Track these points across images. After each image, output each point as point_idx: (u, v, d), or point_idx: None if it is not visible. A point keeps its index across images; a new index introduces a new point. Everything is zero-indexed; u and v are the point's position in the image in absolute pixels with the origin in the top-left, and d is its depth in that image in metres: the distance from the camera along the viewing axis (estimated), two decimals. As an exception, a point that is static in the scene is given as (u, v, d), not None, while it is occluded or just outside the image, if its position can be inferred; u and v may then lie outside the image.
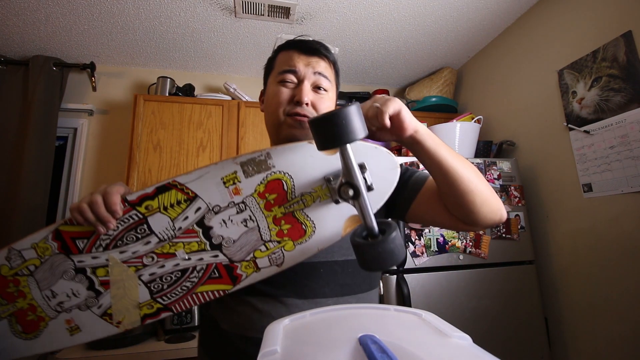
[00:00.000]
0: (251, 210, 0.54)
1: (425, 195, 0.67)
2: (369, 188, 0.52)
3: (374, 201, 0.56)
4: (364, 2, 1.68)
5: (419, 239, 1.51)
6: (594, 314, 1.45)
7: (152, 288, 0.57)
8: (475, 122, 1.95)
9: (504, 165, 1.70)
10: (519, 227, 1.64)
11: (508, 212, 1.63)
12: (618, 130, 1.36)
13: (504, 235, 1.61)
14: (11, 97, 1.93)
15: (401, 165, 0.74)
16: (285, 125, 0.67)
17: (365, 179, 0.51)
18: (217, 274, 0.57)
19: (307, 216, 0.55)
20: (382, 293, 1.45)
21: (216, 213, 0.53)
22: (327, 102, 0.70)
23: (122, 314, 0.57)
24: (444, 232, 1.55)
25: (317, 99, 0.68)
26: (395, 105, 0.49)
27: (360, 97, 2.31)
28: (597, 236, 1.44)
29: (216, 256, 0.56)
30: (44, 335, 0.56)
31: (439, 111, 2.31)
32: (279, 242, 0.56)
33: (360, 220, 0.47)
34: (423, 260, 1.49)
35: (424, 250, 1.50)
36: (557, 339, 1.61)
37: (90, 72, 2.03)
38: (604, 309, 1.41)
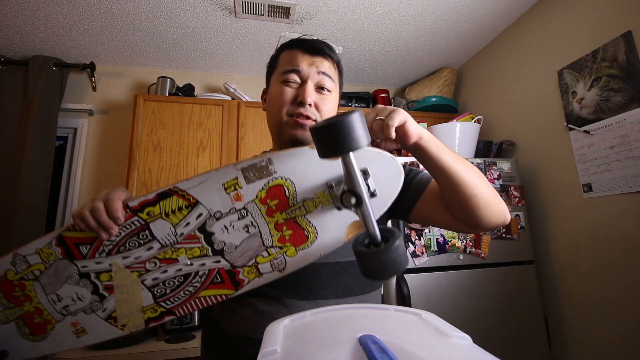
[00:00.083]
0: (253, 216, 0.54)
1: (429, 196, 0.67)
2: (372, 194, 0.51)
3: (377, 207, 0.56)
4: (364, 2, 1.68)
5: (419, 239, 1.51)
6: (594, 313, 1.45)
7: (155, 292, 0.57)
8: (475, 122, 1.95)
9: (504, 165, 1.70)
10: (519, 227, 1.64)
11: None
12: (618, 130, 1.36)
13: (504, 235, 1.61)
14: (11, 97, 1.93)
15: (404, 165, 0.74)
16: (288, 126, 0.67)
17: (368, 185, 0.50)
18: (219, 279, 0.58)
19: (309, 222, 0.55)
20: (382, 293, 1.45)
21: (218, 219, 0.53)
22: (330, 103, 0.69)
23: (127, 317, 0.58)
24: (444, 232, 1.55)
25: (320, 99, 0.68)
26: (401, 117, 0.49)
27: (360, 97, 2.32)
28: (597, 236, 1.44)
29: (218, 261, 0.56)
30: (51, 337, 0.58)
31: (439, 111, 2.31)
32: (280, 247, 0.56)
33: (363, 227, 0.46)
34: (423, 260, 1.49)
35: (424, 250, 1.50)
36: (557, 339, 1.61)
37: (90, 72, 2.03)
38: (604, 309, 1.41)
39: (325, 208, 0.54)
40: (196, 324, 1.73)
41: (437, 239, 1.53)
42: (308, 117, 0.66)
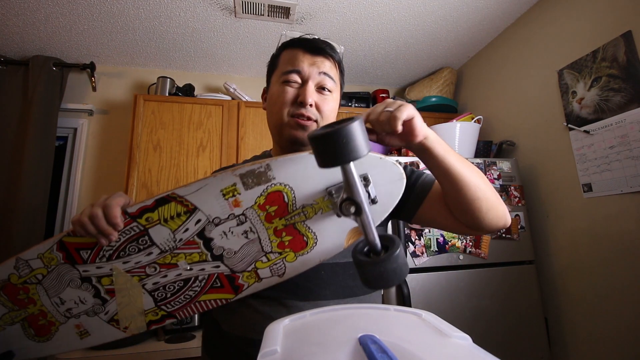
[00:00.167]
0: (252, 222, 0.54)
1: (432, 199, 0.66)
2: (373, 201, 0.50)
3: (378, 213, 0.55)
4: (364, 2, 1.68)
5: (419, 239, 1.51)
6: (594, 313, 1.45)
7: (156, 296, 0.58)
8: (475, 122, 1.95)
9: (504, 165, 1.70)
10: (519, 227, 1.64)
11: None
12: (618, 130, 1.36)
13: (504, 235, 1.61)
14: (11, 97, 1.93)
15: (405, 167, 0.74)
16: (289, 127, 0.67)
17: (368, 192, 0.49)
18: (219, 284, 0.58)
19: (309, 228, 0.55)
20: (382, 293, 1.45)
21: (216, 225, 0.53)
22: (331, 103, 0.69)
23: (128, 320, 0.59)
24: (444, 232, 1.55)
25: (321, 99, 0.67)
26: (409, 112, 0.48)
27: (360, 97, 2.31)
28: (597, 236, 1.44)
29: (218, 266, 0.56)
30: (56, 338, 0.59)
31: (439, 111, 2.31)
32: (280, 253, 0.56)
33: (363, 235, 0.45)
34: (423, 260, 1.49)
35: (424, 250, 1.50)
36: (557, 339, 1.61)
37: (90, 72, 2.03)
38: (604, 309, 1.41)
39: (325, 214, 0.54)
40: (196, 324, 1.73)
41: (437, 239, 1.53)
42: (309, 118, 0.66)
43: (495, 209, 0.60)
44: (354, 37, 1.97)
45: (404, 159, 1.60)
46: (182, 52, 2.07)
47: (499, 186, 1.67)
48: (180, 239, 0.54)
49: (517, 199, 1.67)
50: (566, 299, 1.58)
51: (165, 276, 0.56)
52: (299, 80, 0.67)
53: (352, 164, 0.41)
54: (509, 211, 0.65)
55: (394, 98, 2.50)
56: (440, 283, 1.49)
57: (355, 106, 2.28)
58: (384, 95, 2.35)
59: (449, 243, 1.54)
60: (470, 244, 1.56)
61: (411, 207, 0.68)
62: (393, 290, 1.45)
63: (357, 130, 0.37)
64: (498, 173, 1.68)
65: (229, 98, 2.09)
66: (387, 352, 0.24)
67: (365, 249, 0.44)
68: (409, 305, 1.42)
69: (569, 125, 1.55)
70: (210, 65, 2.24)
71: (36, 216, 1.82)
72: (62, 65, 2.01)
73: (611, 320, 1.38)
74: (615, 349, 1.36)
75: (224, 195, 0.51)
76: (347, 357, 0.25)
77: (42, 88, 1.91)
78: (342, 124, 0.38)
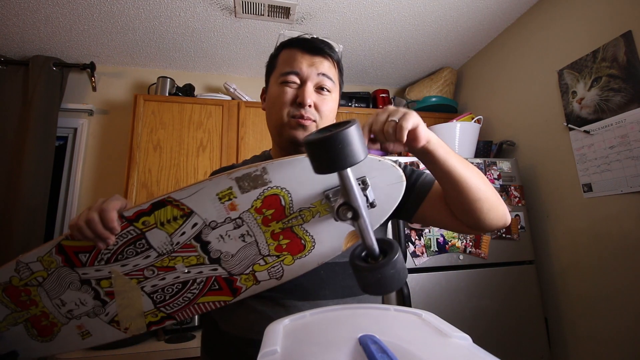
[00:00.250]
0: (248, 226, 0.53)
1: (432, 198, 0.67)
2: (372, 205, 0.49)
3: (377, 216, 0.55)
4: (364, 2, 1.68)
5: (419, 239, 1.51)
6: (594, 313, 1.45)
7: (155, 298, 0.58)
8: (475, 122, 1.95)
9: (504, 165, 1.70)
10: (519, 227, 1.64)
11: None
12: (618, 130, 1.36)
13: (504, 235, 1.61)
14: (11, 97, 1.93)
15: (405, 167, 0.74)
16: (288, 127, 0.66)
17: (366, 196, 0.48)
18: (217, 286, 0.58)
19: (307, 231, 0.55)
20: (382, 293, 1.45)
21: (213, 228, 0.53)
22: (330, 104, 0.69)
23: (129, 321, 0.59)
24: (444, 232, 1.55)
25: (320, 100, 0.67)
26: (414, 120, 0.47)
27: (360, 97, 2.31)
28: (597, 236, 1.44)
29: (215, 269, 0.56)
30: (59, 338, 0.60)
31: (439, 111, 2.31)
32: (277, 256, 0.56)
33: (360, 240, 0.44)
34: (423, 260, 1.49)
35: (424, 250, 1.50)
36: (557, 339, 1.61)
37: (90, 72, 2.03)
38: (604, 309, 1.41)
39: (322, 217, 0.53)
40: (196, 324, 1.73)
41: (437, 239, 1.53)
42: (308, 118, 0.66)
43: (496, 209, 0.61)
44: (354, 37, 1.97)
45: (403, 159, 1.60)
46: (182, 52, 2.07)
47: (499, 186, 1.67)
48: (177, 243, 0.53)
49: (517, 199, 1.67)
50: (566, 299, 1.58)
51: (164, 279, 0.56)
52: (298, 81, 0.67)
53: (349, 169, 0.39)
54: (509, 211, 0.66)
55: (393, 98, 2.50)
56: (440, 283, 1.49)
57: (355, 106, 2.28)
58: (384, 95, 2.35)
59: (449, 243, 1.54)
60: (470, 244, 1.56)
61: (411, 207, 0.68)
62: (393, 290, 1.45)
63: (354, 135, 0.36)
64: (498, 173, 1.68)
65: (229, 98, 2.09)
66: (387, 352, 0.24)
67: (363, 254, 0.43)
68: (409, 305, 1.42)
69: (569, 125, 1.55)
70: (210, 65, 2.24)
71: (36, 216, 1.82)
72: (62, 65, 2.01)
73: (611, 320, 1.38)
74: (615, 349, 1.36)
75: (220, 199, 0.51)
76: (347, 357, 0.25)
77: (42, 88, 1.91)
78: (338, 128, 0.36)
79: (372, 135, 0.49)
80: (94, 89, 2.09)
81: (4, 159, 1.86)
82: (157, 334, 1.62)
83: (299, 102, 0.66)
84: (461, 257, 1.54)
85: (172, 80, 2.06)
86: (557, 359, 1.59)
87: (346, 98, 2.27)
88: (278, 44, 0.74)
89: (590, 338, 1.46)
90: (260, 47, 2.05)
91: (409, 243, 1.50)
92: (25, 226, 1.77)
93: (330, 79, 0.69)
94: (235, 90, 2.13)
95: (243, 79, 2.37)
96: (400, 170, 0.53)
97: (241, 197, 0.51)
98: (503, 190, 1.67)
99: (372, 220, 0.43)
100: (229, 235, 0.54)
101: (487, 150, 1.94)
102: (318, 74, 0.67)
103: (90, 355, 1.39)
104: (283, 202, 0.52)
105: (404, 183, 0.53)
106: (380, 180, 0.51)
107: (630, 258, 1.31)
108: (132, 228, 0.52)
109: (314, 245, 0.56)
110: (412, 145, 0.51)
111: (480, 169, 1.67)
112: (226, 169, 0.61)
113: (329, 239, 0.55)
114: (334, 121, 0.63)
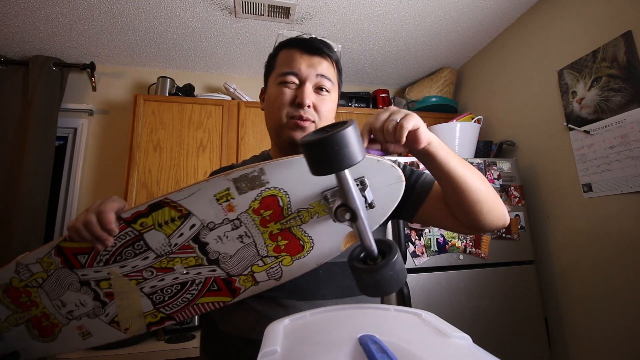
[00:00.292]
0: (247, 227, 0.53)
1: (432, 199, 0.67)
2: (370, 206, 0.49)
3: (376, 218, 0.54)
4: (364, 2, 1.68)
5: (419, 239, 1.51)
6: (594, 313, 1.45)
7: (154, 299, 0.58)
8: (475, 122, 1.95)
9: (504, 165, 1.70)
10: (519, 227, 1.64)
11: (508, 212, 1.63)
12: (618, 130, 1.36)
13: (504, 235, 1.61)
14: (11, 97, 1.93)
15: (404, 167, 0.74)
16: (287, 128, 0.66)
17: (365, 197, 0.48)
18: (216, 287, 0.58)
19: (305, 232, 0.54)
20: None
21: (211, 230, 0.53)
22: (329, 104, 0.69)
23: (128, 322, 0.60)
24: (444, 232, 1.55)
25: (319, 100, 0.67)
26: (415, 121, 0.47)
27: (360, 97, 2.31)
28: (597, 236, 1.44)
29: (214, 270, 0.56)
30: (60, 338, 0.60)
31: (439, 111, 2.31)
32: (276, 257, 0.56)
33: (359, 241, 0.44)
34: (423, 260, 1.49)
35: (424, 250, 1.50)
36: (557, 339, 1.61)
37: (90, 72, 2.03)
38: (604, 309, 1.41)
39: (321, 218, 0.53)
40: (196, 324, 1.73)
41: (437, 239, 1.53)
42: (307, 119, 0.66)
43: (495, 210, 0.61)
44: (354, 37, 1.96)
45: (403, 159, 1.60)
46: (182, 52, 2.07)
47: (499, 186, 1.67)
48: (176, 244, 0.53)
49: (517, 199, 1.67)
50: (566, 299, 1.58)
51: (163, 280, 0.56)
52: (297, 82, 0.67)
53: (346, 171, 0.39)
54: (509, 211, 0.66)
55: (393, 98, 2.50)
56: (440, 283, 1.49)
57: (355, 106, 2.28)
58: (384, 95, 2.35)
59: (449, 243, 1.54)
60: (470, 244, 1.56)
61: (412, 207, 0.68)
62: (393, 290, 1.45)
63: (351, 136, 0.35)
64: (498, 173, 1.68)
65: (229, 98, 2.09)
66: (387, 352, 0.24)
67: (362, 255, 0.43)
68: (409, 305, 1.42)
69: (569, 125, 1.55)
70: (210, 65, 2.24)
71: (36, 216, 1.82)
72: (62, 65, 2.01)
73: (611, 320, 1.38)
74: (615, 349, 1.36)
75: (217, 200, 0.50)
76: (347, 357, 0.25)
77: (42, 88, 1.91)
78: (334, 129, 0.36)
79: (372, 136, 0.49)
80: (94, 89, 2.09)
81: (4, 159, 1.86)
82: (157, 334, 1.62)
83: (297, 102, 0.65)
84: (461, 257, 1.54)
85: (172, 80, 2.06)
86: (557, 359, 1.59)
87: (346, 98, 2.27)
88: (277, 44, 0.74)
89: (590, 338, 1.46)
90: (260, 47, 2.05)
91: (409, 243, 1.50)
92: (25, 226, 1.77)
93: (329, 79, 0.69)
94: (235, 90, 2.13)
95: (243, 79, 2.37)
96: (400, 170, 0.53)
97: (239, 198, 0.50)
98: (503, 190, 1.67)
99: (371, 220, 0.43)
100: (227, 237, 0.53)
101: (487, 150, 1.94)
102: (317, 75, 0.67)
103: (90, 355, 1.39)
104: (281, 203, 0.51)
105: (403, 183, 0.53)
106: (379, 181, 0.51)
107: (630, 258, 1.31)
108: (130, 229, 0.52)
109: (312, 246, 0.56)
110: (413, 147, 0.51)
111: (480, 169, 1.67)
112: (225, 169, 0.61)
113: (328, 239, 0.55)
114: (333, 121, 0.63)
